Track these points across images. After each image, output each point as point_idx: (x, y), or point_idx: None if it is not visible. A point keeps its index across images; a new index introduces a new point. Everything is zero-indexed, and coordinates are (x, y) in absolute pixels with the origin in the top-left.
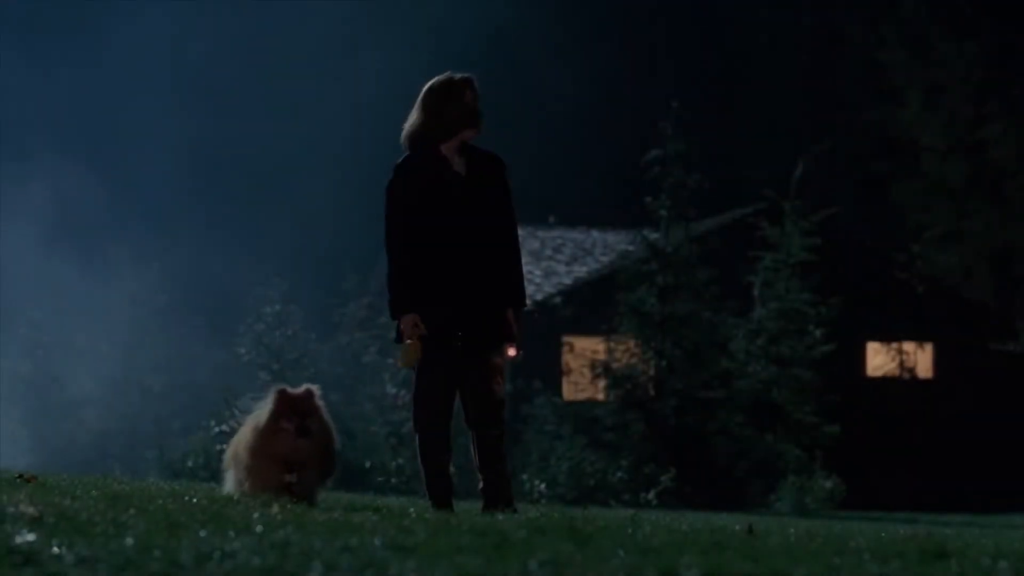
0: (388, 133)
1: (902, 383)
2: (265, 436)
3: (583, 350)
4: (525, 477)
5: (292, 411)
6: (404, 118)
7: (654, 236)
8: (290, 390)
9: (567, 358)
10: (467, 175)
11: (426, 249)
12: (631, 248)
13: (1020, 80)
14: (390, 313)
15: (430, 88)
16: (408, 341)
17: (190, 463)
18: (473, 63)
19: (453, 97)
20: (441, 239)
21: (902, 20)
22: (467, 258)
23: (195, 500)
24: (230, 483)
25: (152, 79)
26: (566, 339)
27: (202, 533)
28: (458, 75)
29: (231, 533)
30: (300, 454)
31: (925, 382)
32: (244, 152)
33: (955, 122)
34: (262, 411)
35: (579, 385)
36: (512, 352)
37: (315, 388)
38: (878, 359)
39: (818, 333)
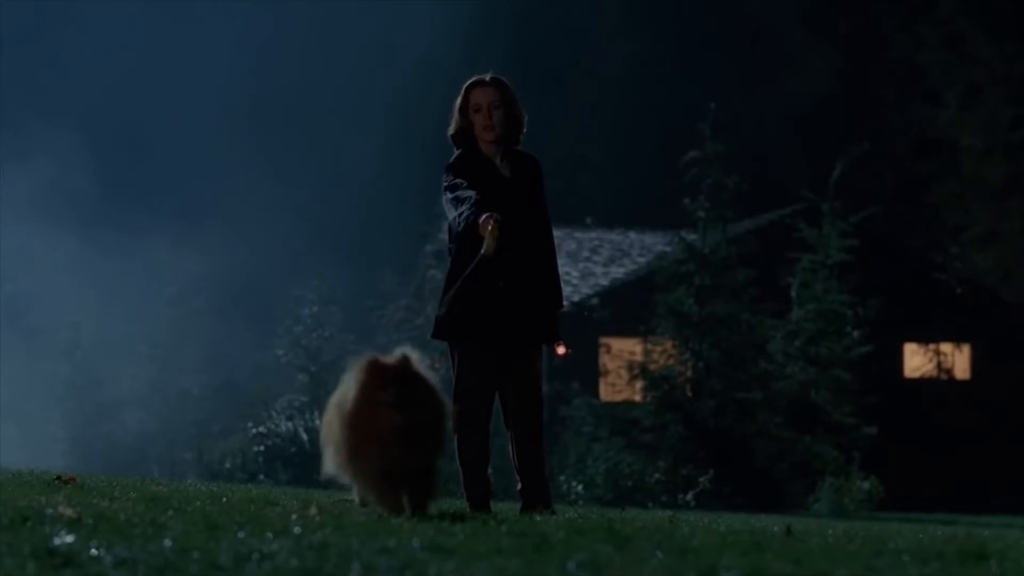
0: (424, 132)
1: (940, 384)
2: (359, 414)
3: (620, 351)
4: (563, 478)
5: (387, 382)
6: (431, 120)
7: (692, 237)
8: (383, 359)
9: (604, 359)
10: (512, 178)
11: (473, 252)
12: (668, 249)
13: None
14: (464, 229)
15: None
16: (490, 228)
17: (228, 464)
18: (507, 63)
19: (464, 99)
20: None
21: (940, 20)
22: (512, 261)
23: (234, 501)
24: (330, 462)
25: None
26: (603, 340)
27: (241, 534)
28: (475, 77)
29: (270, 534)
30: (406, 431)
31: (963, 383)
32: (287, 154)
33: (994, 122)
34: (348, 385)
35: (616, 386)
36: (562, 350)
37: (412, 353)
38: (916, 360)
39: (856, 334)
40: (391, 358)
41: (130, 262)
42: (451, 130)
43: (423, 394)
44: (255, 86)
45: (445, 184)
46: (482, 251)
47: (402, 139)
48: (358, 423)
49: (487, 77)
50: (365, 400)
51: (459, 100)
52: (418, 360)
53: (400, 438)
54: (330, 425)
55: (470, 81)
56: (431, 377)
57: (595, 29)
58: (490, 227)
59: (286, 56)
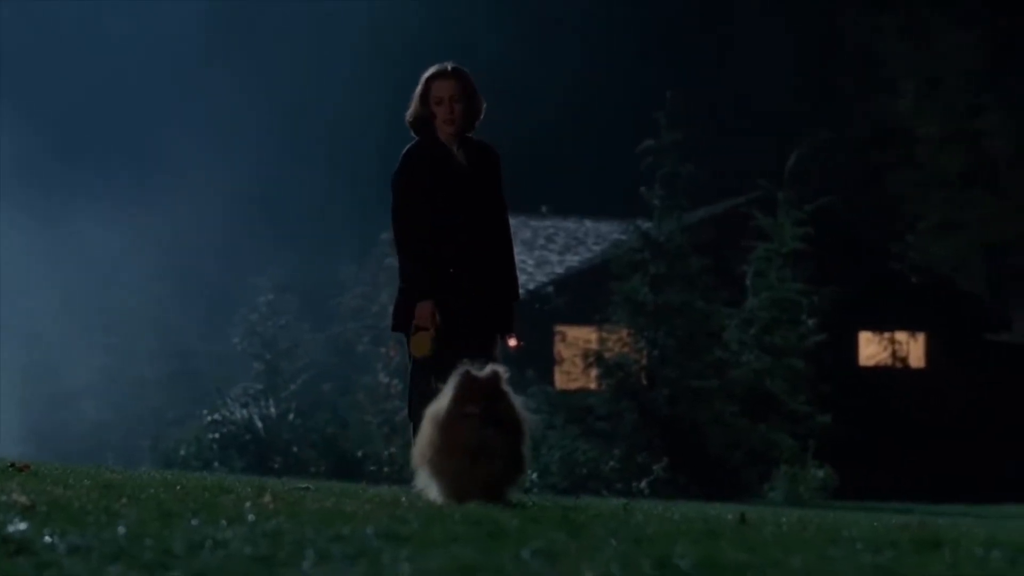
0: (381, 129)
1: (894, 373)
2: (447, 425)
3: (576, 339)
4: None
5: (477, 395)
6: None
7: (647, 225)
8: (475, 372)
9: (560, 347)
10: (469, 168)
11: (425, 241)
12: (624, 237)
13: (1018, 70)
14: (406, 300)
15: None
16: (423, 331)
17: (183, 452)
18: (464, 51)
19: (424, 89)
20: (443, 233)
21: (899, 9)
22: (468, 251)
23: (188, 489)
24: (423, 481)
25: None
26: (559, 328)
27: (194, 522)
28: (433, 69)
29: (223, 522)
30: (488, 444)
31: (917, 372)
32: (243, 141)
33: (951, 112)
34: (443, 398)
35: (572, 374)
36: (514, 343)
37: (502, 370)
38: (870, 349)
39: (811, 323)
40: (483, 372)
41: (85, 250)
42: (409, 117)
43: (507, 411)
44: (208, 67)
45: (399, 183)
46: (412, 352)
47: (357, 125)
48: (447, 431)
49: (448, 67)
50: (455, 411)
51: (419, 89)
52: (505, 376)
53: (482, 451)
54: (423, 434)
55: (431, 72)
56: (514, 394)
57: (552, 16)
58: (423, 332)
59: (235, 46)
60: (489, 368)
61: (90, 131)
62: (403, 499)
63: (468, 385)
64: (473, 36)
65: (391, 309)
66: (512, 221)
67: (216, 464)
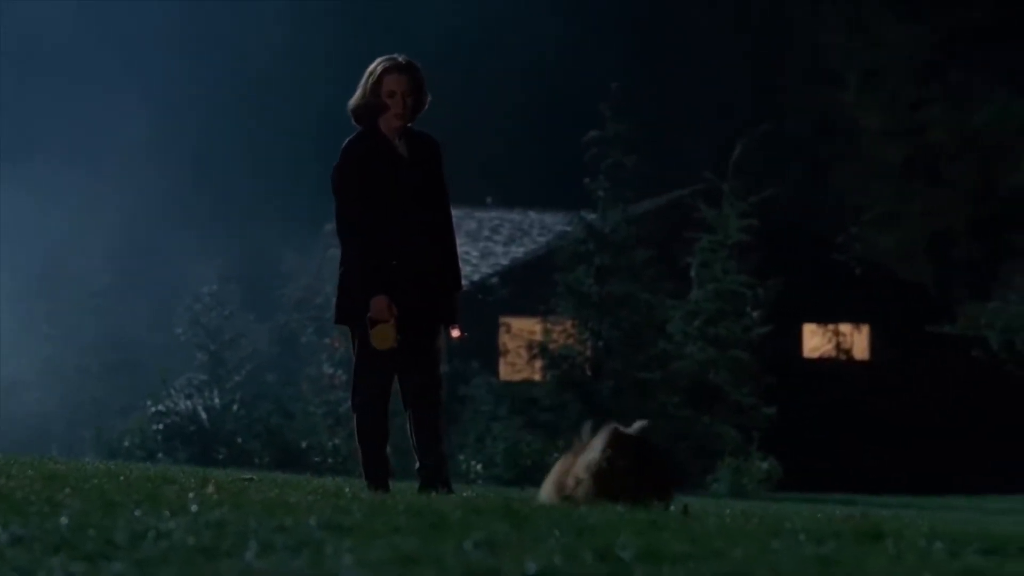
0: (326, 124)
1: (838, 364)
2: (602, 479)
3: (520, 331)
4: (462, 458)
5: (628, 451)
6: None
7: (591, 217)
8: (623, 429)
9: (504, 338)
10: (410, 159)
11: (370, 234)
12: (568, 229)
13: (960, 63)
14: (358, 294)
15: (370, 68)
16: (383, 323)
17: (127, 443)
18: (411, 43)
19: (375, 82)
20: (385, 224)
21: (844, 2)
22: (410, 243)
23: (131, 479)
24: (547, 490)
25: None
26: (503, 320)
27: (137, 512)
28: (386, 61)
29: (166, 512)
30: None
31: (861, 363)
32: (192, 136)
33: (894, 104)
34: (593, 446)
35: (516, 366)
36: (457, 333)
37: (647, 424)
38: (814, 340)
39: (755, 314)
40: (632, 429)
41: (27, 237)
42: (352, 104)
43: (656, 464)
44: (149, 48)
45: (341, 176)
46: (376, 345)
47: (301, 115)
48: (599, 482)
49: (401, 60)
50: (608, 465)
51: (370, 80)
52: (650, 431)
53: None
54: (568, 475)
55: (385, 65)
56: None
57: (498, 6)
58: (383, 324)
59: (176, 26)
60: (637, 424)
61: (30, 115)
62: (346, 490)
63: (619, 441)
64: (415, 22)
65: (335, 301)
66: (456, 212)
67: (160, 455)
